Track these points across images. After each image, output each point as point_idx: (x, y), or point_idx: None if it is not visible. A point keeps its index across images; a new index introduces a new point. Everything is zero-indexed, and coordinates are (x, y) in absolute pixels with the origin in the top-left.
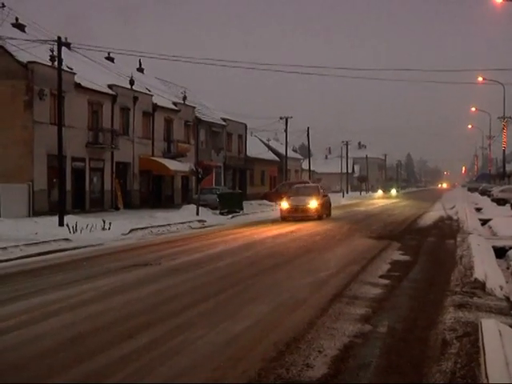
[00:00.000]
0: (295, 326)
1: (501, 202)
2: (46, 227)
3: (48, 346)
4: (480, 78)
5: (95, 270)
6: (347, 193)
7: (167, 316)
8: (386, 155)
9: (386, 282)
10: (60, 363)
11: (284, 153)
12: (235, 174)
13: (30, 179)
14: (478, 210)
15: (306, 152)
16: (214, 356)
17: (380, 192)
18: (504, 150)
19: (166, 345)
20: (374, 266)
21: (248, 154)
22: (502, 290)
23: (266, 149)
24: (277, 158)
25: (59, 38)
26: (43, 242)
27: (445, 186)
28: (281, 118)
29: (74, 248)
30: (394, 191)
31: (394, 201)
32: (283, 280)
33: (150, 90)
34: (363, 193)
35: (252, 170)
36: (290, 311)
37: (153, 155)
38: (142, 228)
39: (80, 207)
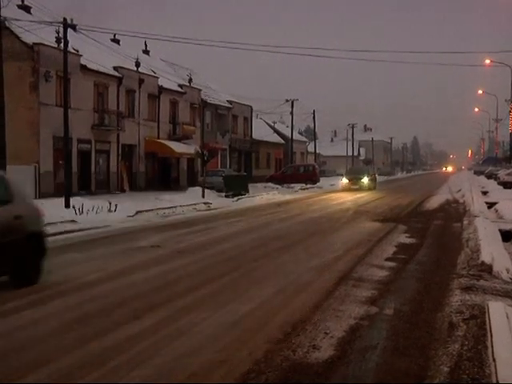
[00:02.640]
0: (301, 308)
1: (507, 185)
2: (52, 209)
3: (52, 326)
4: (487, 61)
5: (101, 252)
6: None
7: (173, 297)
8: (391, 138)
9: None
10: (64, 344)
11: (289, 135)
12: (241, 157)
13: (35, 161)
14: (485, 193)
15: (312, 135)
16: (220, 337)
17: (343, 181)
18: (511, 133)
19: (172, 326)
20: (380, 247)
21: (254, 136)
22: (508, 272)
23: (272, 131)
24: (282, 141)
25: (65, 19)
26: (49, 223)
27: (450, 169)
28: (287, 101)
29: (80, 230)
30: (365, 181)
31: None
32: (289, 262)
33: (155, 73)
34: None
35: (257, 152)
36: (297, 293)
37: (158, 137)
38: (148, 210)
39: (86, 189)
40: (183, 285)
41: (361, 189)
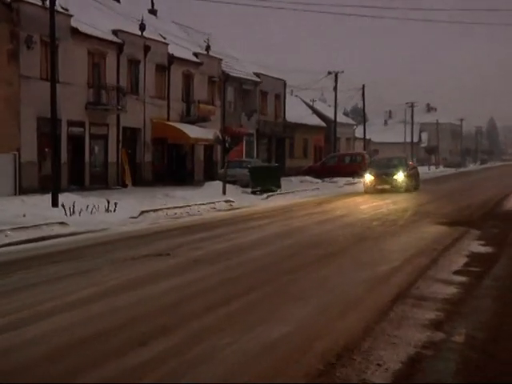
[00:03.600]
0: (348, 333)
1: None
2: (37, 208)
3: (38, 355)
4: None
5: (98, 262)
6: None
7: (188, 318)
8: (462, 120)
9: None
10: (53, 375)
11: (332, 117)
12: (271, 144)
13: (15, 148)
14: None
15: (361, 116)
16: (246, 368)
17: (366, 179)
18: None
19: (186, 354)
20: (447, 257)
21: (287, 118)
22: None
23: (310, 112)
24: (323, 124)
25: None
26: (33, 226)
27: None
28: (329, 73)
29: (72, 234)
30: (399, 177)
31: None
32: (332, 275)
33: (164, 38)
34: (432, 168)
35: (292, 138)
36: (342, 314)
37: (168, 119)
38: (156, 210)
39: (78, 183)
40: (200, 302)
41: (394, 190)
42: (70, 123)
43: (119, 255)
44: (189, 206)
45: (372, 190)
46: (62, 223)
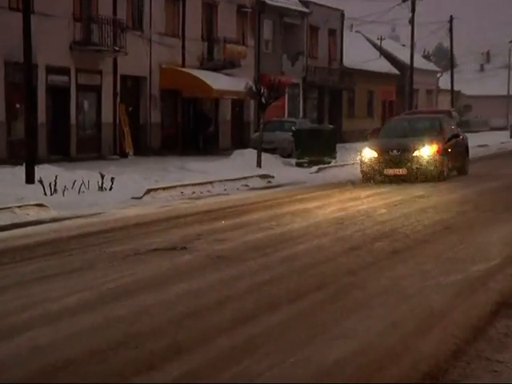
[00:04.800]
0: (430, 356)
1: None
2: (5, 185)
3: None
4: None
5: (89, 258)
6: None
7: (210, 333)
8: None
9: None
10: None
11: (407, 61)
12: (323, 98)
13: None
14: None
15: (447, 60)
16: None
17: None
18: None
19: (209, 381)
20: None
21: (345, 62)
22: None
23: (377, 54)
24: (395, 71)
25: None
26: (1, 209)
27: None
28: (403, 1)
29: (54, 220)
30: (425, 154)
31: None
32: (405, 277)
33: None
34: None
35: (352, 90)
36: (421, 329)
37: (183, 65)
38: (167, 188)
39: (61, 152)
40: (226, 312)
41: (414, 177)
42: (50, 70)
43: (118, 249)
44: (211, 182)
45: (376, 179)
46: (39, 205)
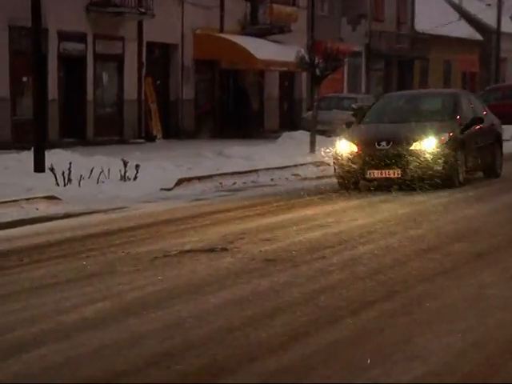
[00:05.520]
0: None
1: None
2: (10, 173)
3: None
4: None
5: (109, 261)
6: None
7: (256, 352)
8: None
9: None
10: None
11: (493, 24)
12: (390, 69)
13: None
14: None
15: None
16: None
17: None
18: None
19: None
20: None
21: (417, 27)
22: None
23: (457, 15)
24: (478, 36)
25: None
26: (5, 202)
27: None
28: None
29: (67, 215)
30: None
31: None
32: (493, 285)
33: None
34: None
35: (425, 59)
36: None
37: (222, 30)
38: (202, 177)
39: (77, 135)
40: (276, 327)
41: (412, 182)
42: (63, 36)
43: (144, 250)
44: (256, 170)
45: (358, 185)
46: (51, 198)
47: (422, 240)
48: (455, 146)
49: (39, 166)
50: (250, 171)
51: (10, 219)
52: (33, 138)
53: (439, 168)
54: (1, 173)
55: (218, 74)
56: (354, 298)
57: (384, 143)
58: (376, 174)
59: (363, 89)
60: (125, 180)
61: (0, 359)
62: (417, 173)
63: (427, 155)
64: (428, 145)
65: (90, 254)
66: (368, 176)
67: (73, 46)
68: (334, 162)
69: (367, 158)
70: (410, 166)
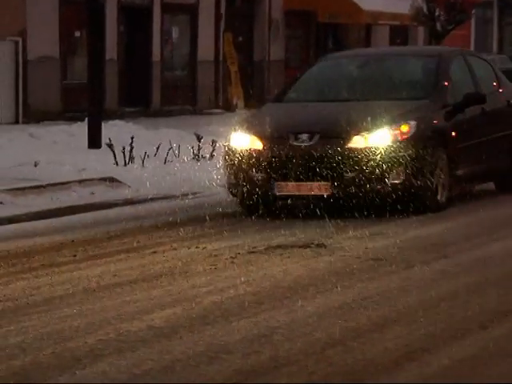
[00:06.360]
0: None
1: None
2: (61, 150)
3: None
4: None
5: (179, 257)
6: None
7: (364, 374)
8: None
9: None
10: None
11: None
12: None
13: (16, 31)
14: None
15: None
16: None
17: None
18: None
19: None
20: None
21: None
22: None
23: None
24: None
25: None
26: (53, 184)
27: None
28: None
29: (128, 201)
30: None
31: None
32: None
33: None
34: None
35: None
36: None
37: None
38: None
39: (139, 103)
40: (389, 338)
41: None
42: None
43: (222, 245)
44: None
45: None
46: (109, 180)
47: None
48: (430, 140)
49: (94, 141)
50: None
51: (60, 205)
52: (87, 107)
53: (396, 180)
54: (49, 149)
55: (314, 29)
56: (484, 306)
57: (305, 136)
58: (290, 188)
59: (495, 47)
60: (198, 159)
61: (49, 376)
62: (358, 188)
63: (377, 157)
64: (378, 140)
65: (158, 248)
66: (276, 192)
67: None
68: (225, 167)
69: (275, 162)
70: (347, 176)
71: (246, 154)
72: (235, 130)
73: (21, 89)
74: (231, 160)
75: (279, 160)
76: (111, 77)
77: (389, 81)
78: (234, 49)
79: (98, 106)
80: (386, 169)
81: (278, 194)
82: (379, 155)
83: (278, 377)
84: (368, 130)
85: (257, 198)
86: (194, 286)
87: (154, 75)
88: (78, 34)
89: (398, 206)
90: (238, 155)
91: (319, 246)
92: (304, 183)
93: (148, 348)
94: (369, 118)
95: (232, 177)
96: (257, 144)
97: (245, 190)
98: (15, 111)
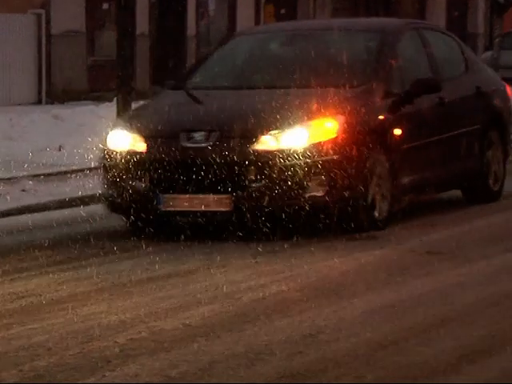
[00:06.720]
0: None
1: None
2: (88, 133)
3: None
4: None
5: (219, 250)
6: None
7: (419, 377)
8: None
9: None
10: None
11: None
12: None
13: (39, 3)
14: None
15: None
16: None
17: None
18: None
19: None
20: None
21: None
22: None
23: None
24: None
25: None
26: (79, 170)
27: None
28: None
29: None
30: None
31: None
32: None
33: None
34: None
35: None
36: None
37: None
38: None
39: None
40: (446, 339)
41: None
42: None
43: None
44: None
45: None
46: None
47: None
48: (364, 140)
49: None
50: None
51: (86, 193)
52: (116, 86)
53: (317, 192)
54: (74, 132)
55: (364, 0)
56: None
57: (200, 135)
58: (179, 202)
59: None
60: None
61: (76, 378)
62: (268, 202)
63: (292, 163)
64: (294, 140)
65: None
66: (161, 207)
67: None
68: (101, 175)
69: (160, 169)
70: (253, 187)
71: (125, 157)
72: (113, 126)
73: (44, 66)
74: (109, 166)
75: (166, 166)
76: (142, 53)
77: (316, 63)
78: (276, 22)
79: (127, 84)
80: (304, 178)
81: (164, 209)
82: (294, 160)
83: (324, 380)
84: (281, 127)
85: (141, 214)
86: (233, 281)
87: (189, 51)
88: (106, 6)
89: (320, 225)
90: (115, 160)
91: (369, 237)
92: (198, 196)
93: (183, 348)
94: (283, 112)
95: (110, 187)
96: (139, 145)
97: (124, 204)
98: (38, 91)
